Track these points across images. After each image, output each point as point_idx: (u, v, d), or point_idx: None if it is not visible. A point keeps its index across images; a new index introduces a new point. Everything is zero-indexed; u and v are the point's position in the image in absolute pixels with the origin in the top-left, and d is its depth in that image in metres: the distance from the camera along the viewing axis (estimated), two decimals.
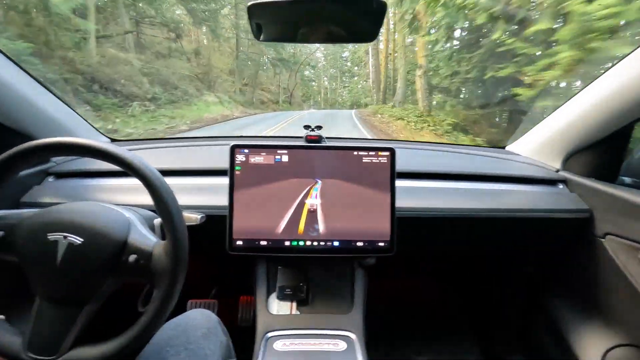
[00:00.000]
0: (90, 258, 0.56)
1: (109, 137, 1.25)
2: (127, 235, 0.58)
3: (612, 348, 0.95)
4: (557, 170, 1.09)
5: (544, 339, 1.17)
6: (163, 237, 0.60)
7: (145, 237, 0.59)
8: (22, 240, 0.56)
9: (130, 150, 0.60)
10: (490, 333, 1.43)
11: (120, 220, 0.60)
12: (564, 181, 1.05)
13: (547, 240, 1.08)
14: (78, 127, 1.12)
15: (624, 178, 0.95)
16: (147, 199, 0.58)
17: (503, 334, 1.38)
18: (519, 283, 1.32)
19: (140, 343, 0.56)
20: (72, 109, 1.10)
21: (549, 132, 1.11)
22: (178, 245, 0.56)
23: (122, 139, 1.31)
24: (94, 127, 1.19)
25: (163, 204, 0.56)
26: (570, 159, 1.06)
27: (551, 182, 1.06)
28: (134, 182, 0.58)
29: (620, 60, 0.84)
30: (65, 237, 0.55)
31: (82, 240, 0.55)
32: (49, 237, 0.55)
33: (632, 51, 0.79)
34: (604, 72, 0.90)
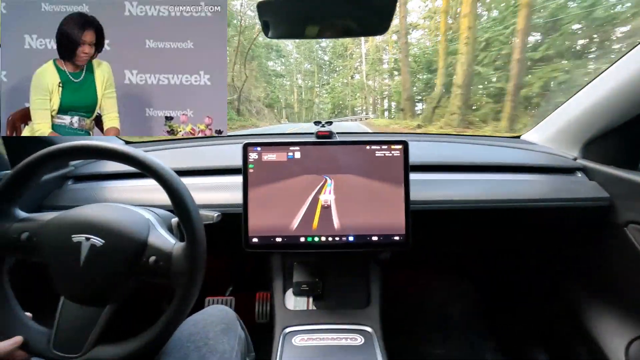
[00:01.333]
0: (112, 259, 0.57)
1: (123, 140, 1.27)
2: (147, 236, 0.60)
3: (636, 339, 0.93)
4: (575, 159, 1.06)
5: (564, 331, 1.15)
6: (181, 236, 0.61)
7: (164, 239, 0.61)
8: (47, 241, 0.58)
9: (145, 151, 0.60)
10: (509, 325, 1.42)
11: (141, 222, 0.61)
12: (583, 169, 1.03)
13: (567, 230, 1.06)
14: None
15: None
16: (163, 199, 0.59)
17: (522, 326, 1.36)
18: (538, 274, 1.30)
19: (161, 341, 0.58)
20: None
21: (565, 119, 1.08)
22: (196, 246, 0.57)
23: (136, 141, 1.34)
24: None
25: (181, 204, 0.57)
26: (588, 147, 1.03)
27: (569, 170, 1.04)
28: (150, 182, 0.59)
29: (638, 44, 0.81)
30: (87, 238, 0.56)
31: (103, 241, 0.57)
32: (73, 238, 0.56)
33: None
34: (620, 57, 0.87)
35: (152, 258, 0.58)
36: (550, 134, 1.16)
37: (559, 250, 1.17)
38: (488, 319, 1.48)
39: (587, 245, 1.05)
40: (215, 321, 0.78)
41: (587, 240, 1.04)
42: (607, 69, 0.91)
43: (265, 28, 0.70)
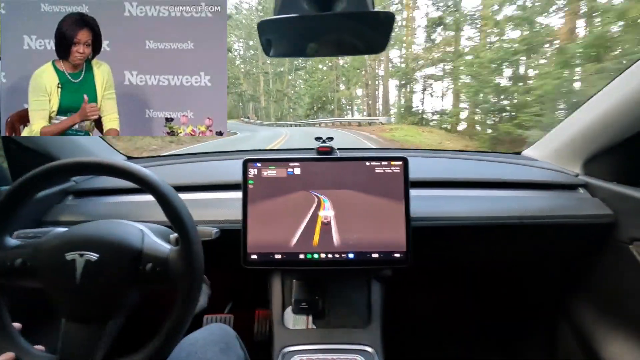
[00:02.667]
0: (108, 272, 0.57)
1: (125, 155, 1.28)
2: (142, 245, 0.59)
3: None
4: (577, 175, 1.06)
5: (570, 348, 1.12)
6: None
7: (159, 245, 0.61)
8: (42, 263, 0.58)
9: (145, 167, 0.61)
10: (514, 343, 1.38)
11: (134, 232, 0.61)
12: (585, 186, 1.02)
13: (570, 246, 1.04)
14: (96, 147, 1.15)
15: None
16: (164, 215, 0.59)
17: (527, 343, 1.33)
18: (543, 291, 1.28)
19: (168, 348, 0.57)
20: None
21: (567, 135, 1.08)
22: (192, 245, 0.56)
23: (138, 156, 1.34)
24: (111, 146, 1.23)
25: (178, 219, 0.57)
26: (589, 163, 1.03)
27: (571, 187, 1.03)
28: (151, 198, 0.59)
29: (638, 60, 0.82)
30: (81, 254, 0.56)
31: (98, 255, 0.56)
32: (66, 256, 0.56)
33: None
34: (622, 72, 0.87)
35: (149, 265, 0.57)
36: (552, 150, 1.16)
37: (562, 267, 1.15)
38: (493, 336, 1.45)
39: (591, 262, 1.03)
40: (215, 340, 0.77)
41: (591, 258, 1.02)
42: (608, 84, 0.91)
43: (267, 47, 0.71)
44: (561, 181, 1.04)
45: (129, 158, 1.28)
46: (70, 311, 0.58)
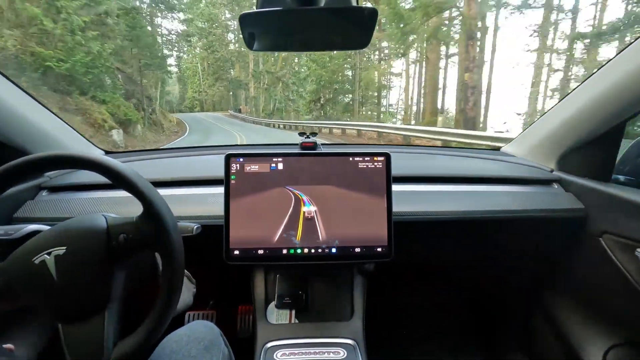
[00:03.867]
0: (83, 259, 0.55)
1: (102, 149, 1.24)
2: (106, 222, 0.59)
3: (613, 347, 0.95)
4: (552, 171, 1.10)
5: (546, 339, 1.17)
6: (162, 261, 0.60)
7: (124, 218, 0.60)
8: (14, 278, 0.55)
9: (123, 162, 0.59)
10: (493, 334, 1.43)
11: (94, 216, 0.60)
12: (559, 181, 1.06)
13: (545, 240, 1.08)
14: (71, 140, 1.11)
15: (617, 176, 0.96)
16: (139, 210, 0.58)
17: (505, 334, 1.38)
18: (520, 283, 1.32)
19: (171, 307, 0.57)
20: (65, 122, 1.09)
21: (543, 133, 1.12)
22: (173, 256, 0.56)
23: (116, 150, 1.31)
24: (87, 140, 1.19)
25: (156, 215, 0.56)
26: (563, 159, 1.07)
27: (546, 182, 1.07)
28: (129, 194, 0.58)
29: (611, 59, 0.85)
30: (48, 253, 0.54)
31: (65, 247, 0.55)
32: (34, 261, 0.54)
33: (622, 50, 0.81)
34: (595, 72, 0.91)
35: (121, 237, 0.57)
36: (529, 146, 1.20)
37: (539, 259, 1.20)
38: (472, 327, 1.49)
39: (565, 254, 1.08)
40: (199, 337, 0.76)
41: (565, 250, 1.07)
42: (582, 83, 0.95)
43: (250, 40, 0.70)
44: (537, 177, 1.07)
45: (107, 152, 1.24)
46: (63, 314, 0.56)
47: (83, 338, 0.55)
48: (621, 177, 0.95)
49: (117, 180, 0.56)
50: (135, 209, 0.58)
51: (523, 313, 1.30)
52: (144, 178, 0.58)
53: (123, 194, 0.60)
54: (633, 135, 1.01)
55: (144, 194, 0.56)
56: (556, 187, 1.05)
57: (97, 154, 0.58)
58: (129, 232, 0.57)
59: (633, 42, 0.79)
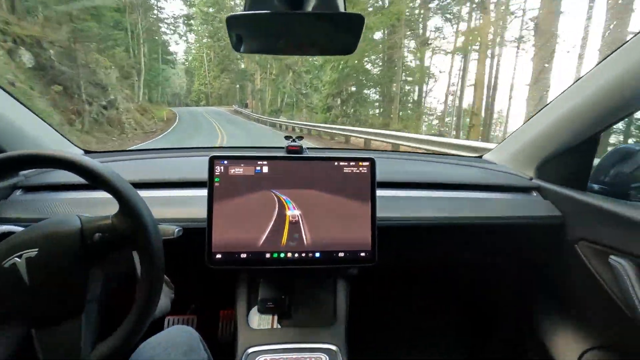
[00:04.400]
0: (56, 260, 0.54)
1: (82, 149, 1.21)
2: (80, 222, 0.57)
3: (588, 350, 0.97)
4: (531, 178, 1.13)
5: (525, 343, 1.19)
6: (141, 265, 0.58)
7: (99, 216, 0.58)
8: None
9: (102, 162, 0.58)
10: (474, 339, 1.45)
11: (67, 217, 0.59)
12: (537, 189, 1.09)
13: (524, 246, 1.11)
14: (49, 139, 1.08)
15: (593, 185, 0.99)
16: (116, 211, 0.57)
17: (486, 341, 1.40)
18: (500, 288, 1.35)
19: (153, 305, 0.55)
20: (42, 119, 1.05)
21: (522, 141, 1.15)
22: (152, 254, 0.54)
23: (95, 150, 1.27)
24: (66, 138, 1.15)
25: (133, 211, 0.54)
26: (542, 167, 1.10)
27: (525, 189, 1.10)
28: (108, 195, 0.56)
29: (587, 73, 0.88)
30: (19, 255, 0.52)
31: (37, 249, 0.53)
32: (4, 265, 0.52)
33: (599, 62, 0.84)
34: (572, 84, 0.94)
35: (96, 235, 0.55)
36: (509, 154, 1.23)
37: (518, 265, 1.23)
38: (454, 331, 1.51)
39: (543, 261, 1.10)
40: (178, 343, 0.75)
41: (543, 257, 1.10)
42: (560, 95, 0.98)
43: (237, 42, 0.70)
44: (516, 184, 1.10)
45: (87, 152, 1.21)
46: (36, 319, 0.54)
47: (58, 342, 0.53)
48: (596, 186, 0.99)
49: (94, 180, 0.54)
50: (114, 210, 0.56)
51: (503, 317, 1.32)
52: (122, 177, 0.56)
53: (102, 194, 0.59)
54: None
55: (120, 191, 0.54)
56: (535, 194, 1.08)
57: (75, 153, 0.56)
58: (104, 231, 0.56)
59: (606, 57, 0.82)
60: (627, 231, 0.82)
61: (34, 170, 1.00)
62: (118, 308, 0.70)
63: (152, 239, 0.55)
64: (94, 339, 0.55)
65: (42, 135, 1.05)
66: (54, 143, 1.10)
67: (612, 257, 0.84)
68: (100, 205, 0.86)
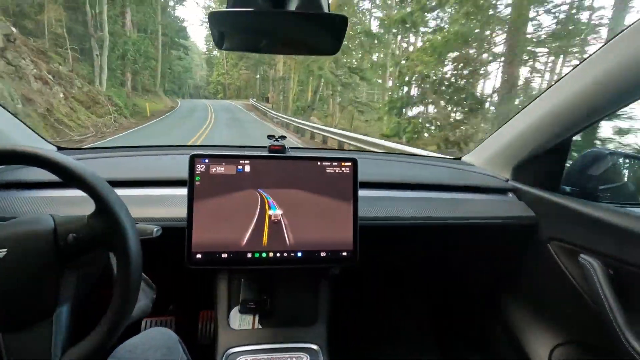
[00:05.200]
0: (27, 261, 0.52)
1: (55, 145, 1.16)
2: (54, 222, 0.55)
3: (558, 345, 1.01)
4: (507, 180, 1.16)
5: (500, 340, 1.23)
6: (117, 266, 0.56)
7: (74, 216, 0.57)
8: None
9: (77, 159, 0.56)
10: (451, 336, 1.48)
11: (40, 216, 0.57)
12: (513, 190, 1.13)
13: (500, 245, 1.15)
14: (19, 134, 1.03)
15: (564, 187, 1.03)
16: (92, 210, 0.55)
17: (463, 336, 1.43)
18: (477, 289, 1.38)
19: (128, 308, 0.53)
20: (12, 114, 1.01)
21: (500, 144, 1.18)
22: (129, 254, 0.53)
23: (70, 147, 1.23)
24: (38, 134, 1.11)
25: (109, 210, 0.53)
26: (518, 169, 1.14)
27: (502, 191, 1.13)
28: (83, 193, 0.54)
29: (560, 79, 0.92)
30: None
31: (6, 249, 0.51)
32: None
33: (572, 70, 0.87)
34: (547, 89, 0.97)
35: (70, 236, 0.53)
36: (487, 156, 1.27)
37: (494, 264, 1.26)
38: (434, 329, 1.54)
39: (517, 259, 1.14)
40: (156, 345, 0.73)
41: (517, 256, 1.13)
42: (537, 98, 1.01)
43: (219, 39, 0.69)
44: (493, 185, 1.13)
45: (60, 149, 1.16)
46: (4, 322, 0.51)
47: (28, 347, 0.51)
48: (568, 188, 1.03)
49: (69, 177, 0.52)
50: (89, 210, 0.55)
51: (480, 315, 1.36)
52: (98, 175, 0.54)
53: (76, 193, 0.57)
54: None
55: (96, 189, 0.52)
56: (510, 195, 1.12)
57: (48, 149, 0.54)
58: (79, 231, 0.54)
59: (577, 65, 0.86)
60: (596, 231, 0.85)
61: (2, 167, 0.96)
62: (93, 310, 0.68)
63: (130, 240, 0.53)
64: (65, 344, 0.53)
65: (11, 130, 1.00)
66: (25, 139, 1.05)
67: (581, 255, 0.88)
68: (74, 205, 0.83)
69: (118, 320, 0.52)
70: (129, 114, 14.64)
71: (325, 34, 0.67)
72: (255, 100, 26.61)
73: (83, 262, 0.57)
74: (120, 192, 0.57)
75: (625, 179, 1.08)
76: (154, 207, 0.87)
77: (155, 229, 0.66)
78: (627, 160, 1.16)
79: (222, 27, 0.67)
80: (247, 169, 0.83)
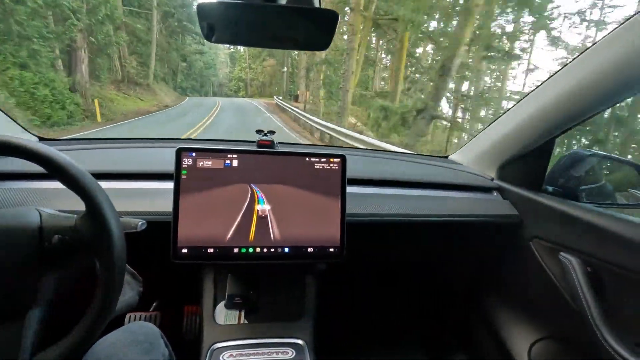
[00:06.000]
0: (6, 258, 0.50)
1: (37, 136, 1.13)
2: (40, 220, 0.53)
3: (537, 341, 1.04)
4: (492, 179, 1.18)
5: (482, 338, 1.26)
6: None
7: (62, 216, 0.55)
8: None
9: (62, 150, 0.54)
10: (435, 334, 1.51)
11: (26, 211, 0.55)
12: (498, 189, 1.15)
13: (484, 243, 1.17)
14: (0, 124, 1.00)
15: (547, 187, 1.06)
16: (79, 205, 0.53)
17: (446, 334, 1.46)
18: (461, 286, 1.41)
19: (104, 319, 0.52)
20: None
21: (486, 143, 1.20)
22: (114, 252, 0.52)
23: (52, 138, 1.19)
24: (18, 124, 1.07)
25: (100, 217, 0.51)
26: (503, 169, 1.16)
27: (487, 189, 1.15)
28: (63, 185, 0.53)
29: (548, 78, 0.93)
30: None
31: None
32: None
33: (557, 71, 0.89)
34: (532, 91, 0.99)
35: (56, 237, 0.52)
36: (473, 155, 1.28)
37: (477, 261, 1.29)
38: (419, 326, 1.56)
39: (501, 258, 1.17)
40: (138, 340, 0.72)
41: (501, 254, 1.16)
42: (522, 99, 1.03)
43: (209, 32, 0.68)
44: (478, 184, 1.15)
45: (42, 139, 1.13)
46: None
47: None
48: (550, 188, 1.06)
49: (59, 173, 0.51)
50: (72, 202, 0.53)
51: (464, 312, 1.38)
52: (88, 173, 0.53)
53: (58, 184, 0.55)
54: None
55: (89, 192, 0.51)
56: (495, 194, 1.14)
57: (32, 140, 0.52)
58: (65, 233, 0.52)
59: (563, 66, 0.88)
60: (576, 230, 0.88)
61: None
62: (68, 314, 0.67)
63: (116, 249, 0.52)
64: (35, 347, 0.51)
65: None
66: (5, 129, 1.02)
67: (562, 253, 0.90)
68: (57, 196, 0.81)
69: (97, 321, 0.51)
70: (56, 117, 9.96)
71: (315, 30, 0.67)
72: (281, 98, 21.24)
73: (64, 264, 0.56)
74: (105, 184, 0.56)
75: (605, 179, 1.11)
76: (139, 200, 0.86)
77: (139, 223, 0.65)
78: (607, 162, 1.20)
79: (211, 20, 0.66)
80: (235, 163, 0.82)
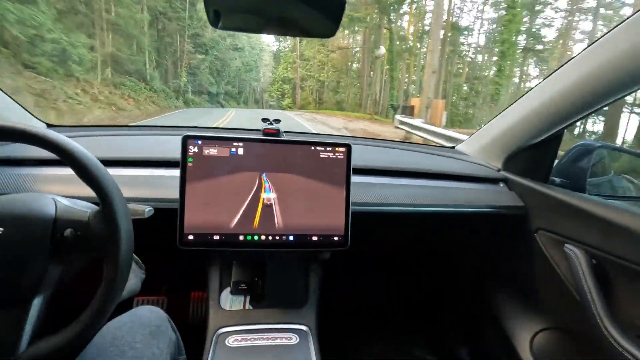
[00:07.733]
0: (19, 245, 0.51)
1: (45, 122, 1.14)
2: (55, 211, 0.54)
3: (540, 331, 1.05)
4: (499, 170, 1.17)
5: (485, 327, 1.27)
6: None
7: (77, 209, 0.56)
8: None
9: (68, 136, 0.55)
10: (438, 323, 1.52)
11: (44, 201, 0.55)
12: (504, 180, 1.14)
13: (489, 234, 1.17)
14: (8, 111, 1.01)
15: (554, 178, 1.05)
16: (88, 191, 0.54)
17: (449, 323, 1.47)
18: (465, 276, 1.41)
19: (102, 318, 0.53)
20: (2, 91, 0.99)
21: (493, 134, 1.19)
22: (121, 253, 0.53)
23: (60, 124, 1.20)
24: (27, 111, 1.08)
25: (103, 194, 0.52)
26: (509, 160, 1.15)
27: (493, 180, 1.15)
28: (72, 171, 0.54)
29: (556, 70, 0.92)
30: None
31: (2, 229, 0.50)
32: None
33: (565, 64, 0.87)
34: (539, 83, 0.98)
35: (68, 231, 0.53)
36: (480, 146, 1.27)
37: (483, 252, 1.29)
38: (422, 316, 1.58)
39: (506, 249, 1.17)
40: (145, 323, 0.74)
41: (506, 245, 1.16)
42: (530, 90, 1.02)
43: (215, 18, 0.68)
44: (485, 175, 1.14)
45: (49, 126, 1.14)
46: None
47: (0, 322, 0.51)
48: (557, 179, 1.05)
49: (70, 161, 0.51)
50: (83, 188, 0.54)
51: (467, 303, 1.39)
52: (103, 167, 0.53)
53: (68, 171, 0.56)
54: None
55: (106, 190, 0.52)
56: (502, 185, 1.13)
57: (41, 127, 0.53)
58: (78, 228, 0.53)
59: (570, 59, 0.86)
60: (582, 222, 0.87)
61: None
62: (70, 302, 0.68)
63: (124, 250, 0.53)
64: (34, 335, 0.52)
65: (3, 107, 0.98)
66: (15, 116, 1.03)
67: (567, 245, 0.90)
68: (65, 182, 0.82)
69: (98, 315, 0.52)
70: None
71: (322, 17, 0.67)
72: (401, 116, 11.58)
73: (72, 257, 0.56)
74: (112, 171, 0.57)
75: (613, 172, 1.10)
76: (146, 187, 0.87)
77: (147, 210, 0.66)
78: (616, 154, 1.18)
79: (218, 6, 0.65)
80: (241, 151, 0.83)
